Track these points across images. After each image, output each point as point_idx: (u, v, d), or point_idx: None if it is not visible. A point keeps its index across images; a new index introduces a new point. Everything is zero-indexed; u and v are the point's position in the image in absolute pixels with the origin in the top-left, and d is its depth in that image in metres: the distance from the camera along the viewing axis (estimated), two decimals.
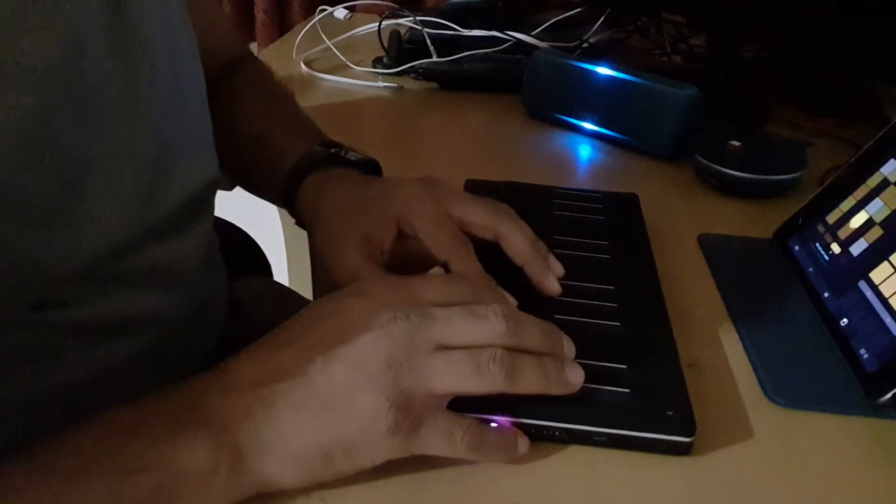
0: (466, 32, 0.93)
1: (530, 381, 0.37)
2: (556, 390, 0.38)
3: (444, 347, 0.36)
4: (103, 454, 0.31)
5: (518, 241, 0.45)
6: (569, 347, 0.40)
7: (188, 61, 0.44)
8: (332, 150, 0.53)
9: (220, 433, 0.33)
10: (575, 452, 0.38)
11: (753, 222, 0.61)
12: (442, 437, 0.35)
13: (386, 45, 0.93)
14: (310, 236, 0.51)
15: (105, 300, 0.38)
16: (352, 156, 0.53)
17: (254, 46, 1.41)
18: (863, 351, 0.44)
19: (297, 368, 0.34)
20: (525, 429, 0.38)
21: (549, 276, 0.45)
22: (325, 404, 0.34)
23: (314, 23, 1.06)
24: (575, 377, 0.38)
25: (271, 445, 0.33)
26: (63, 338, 0.37)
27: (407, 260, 0.46)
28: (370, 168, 0.54)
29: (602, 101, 0.75)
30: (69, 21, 0.32)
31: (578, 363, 0.39)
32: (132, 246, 0.38)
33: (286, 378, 0.34)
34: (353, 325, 0.35)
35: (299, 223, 0.53)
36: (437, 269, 0.42)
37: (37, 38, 0.30)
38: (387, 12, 1.00)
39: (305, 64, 0.96)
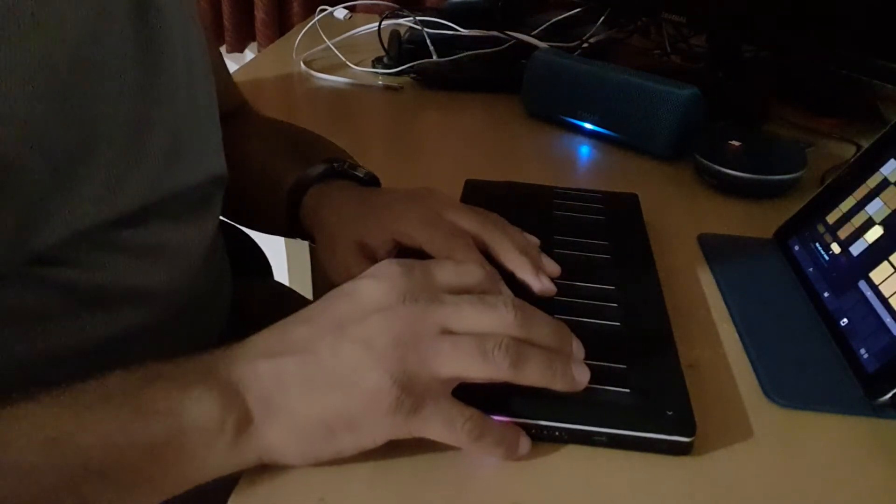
0: (466, 32, 0.93)
1: (535, 373, 0.37)
2: (559, 386, 0.38)
3: (452, 332, 0.36)
4: (123, 391, 0.33)
5: (504, 248, 0.46)
6: (578, 348, 0.40)
7: (200, 68, 0.47)
8: (335, 164, 0.54)
9: (231, 395, 0.34)
10: (575, 452, 0.38)
11: (753, 222, 0.61)
12: (443, 421, 0.35)
13: (386, 45, 0.93)
14: (313, 244, 0.53)
15: (110, 268, 0.41)
16: (353, 170, 0.54)
17: (254, 46, 1.41)
18: (863, 351, 0.44)
19: (309, 344, 0.36)
20: (525, 429, 0.38)
21: (540, 277, 0.46)
22: (332, 380, 0.35)
23: (314, 23, 1.06)
24: (581, 375, 0.38)
25: (277, 414, 0.34)
26: (65, 301, 0.39)
27: None
28: (369, 182, 0.55)
29: (602, 101, 0.75)
30: None
31: (584, 364, 0.39)
32: (140, 219, 0.42)
33: (298, 352, 0.35)
34: (365, 306, 0.37)
35: (303, 236, 0.54)
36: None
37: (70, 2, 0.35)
38: (387, 12, 1.00)
39: (305, 64, 0.96)
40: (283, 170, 0.56)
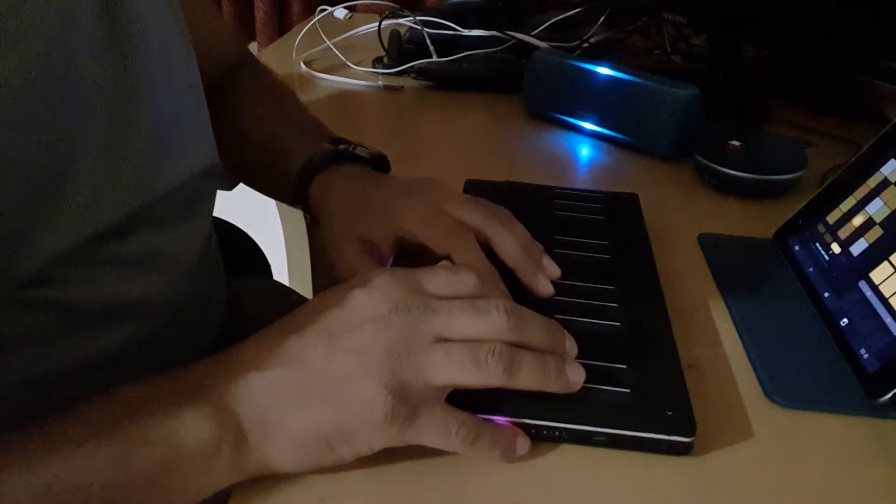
0: (466, 32, 0.93)
1: (529, 377, 0.37)
2: (555, 388, 0.38)
3: (444, 340, 0.36)
4: (112, 426, 0.32)
5: (508, 245, 0.45)
6: (571, 346, 0.40)
7: (179, 53, 0.45)
8: (340, 146, 0.53)
9: (225, 414, 0.34)
10: (575, 452, 0.38)
11: (753, 222, 0.61)
12: (437, 428, 0.35)
13: (386, 45, 0.93)
14: (320, 233, 0.52)
15: (99, 283, 0.39)
16: (360, 151, 0.54)
17: (254, 46, 1.41)
18: (863, 351, 0.44)
19: (301, 355, 0.35)
20: (525, 429, 0.38)
21: (540, 279, 0.45)
22: (326, 391, 0.34)
23: (314, 23, 1.06)
24: (575, 376, 0.38)
25: (273, 429, 0.34)
26: (56, 321, 0.38)
27: (411, 260, 0.46)
28: (378, 163, 0.54)
29: (602, 101, 0.75)
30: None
31: (579, 363, 0.39)
32: (127, 229, 0.40)
33: (290, 364, 0.35)
34: (356, 316, 0.36)
35: (313, 219, 0.53)
36: (445, 262, 0.43)
37: (33, 9, 0.32)
38: (387, 12, 1.00)
39: (305, 64, 0.96)
40: (291, 147, 0.55)
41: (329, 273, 0.47)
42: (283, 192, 0.55)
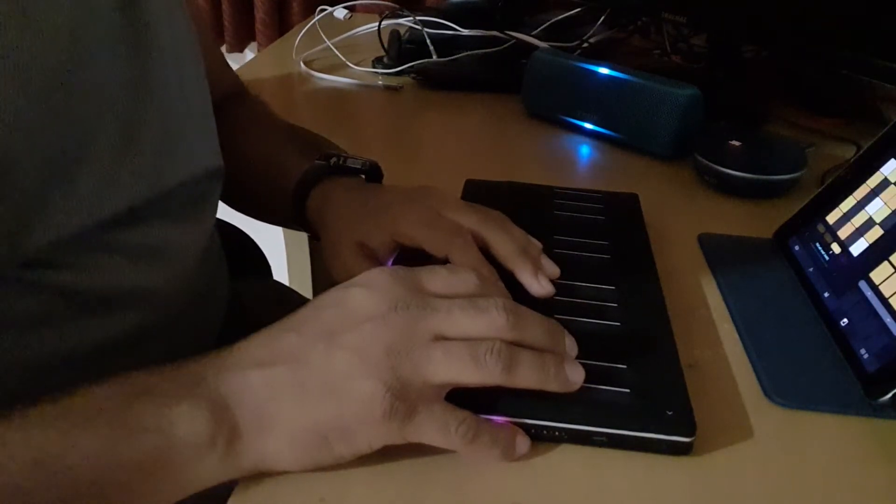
0: (466, 32, 0.93)
1: (528, 376, 0.37)
2: (554, 387, 0.38)
3: (443, 338, 0.36)
4: (111, 408, 0.33)
5: (504, 247, 0.46)
6: (571, 345, 0.40)
7: (190, 61, 0.47)
8: (332, 160, 0.54)
9: (222, 409, 0.34)
10: (575, 452, 0.38)
11: (753, 222, 0.61)
12: (436, 426, 0.35)
13: (386, 44, 0.93)
14: (318, 241, 0.53)
15: (102, 270, 0.40)
16: (351, 163, 0.54)
17: (254, 46, 1.41)
18: (863, 351, 0.44)
19: (300, 352, 0.35)
20: (525, 429, 0.38)
21: (538, 279, 0.46)
22: (325, 388, 0.34)
23: (314, 23, 1.06)
24: (574, 375, 0.38)
25: (271, 426, 0.34)
26: (57, 305, 0.39)
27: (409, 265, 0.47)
28: (371, 171, 0.55)
29: (602, 101, 0.75)
30: None
31: (578, 362, 0.39)
32: (133, 220, 0.41)
33: (289, 361, 0.35)
34: (356, 314, 0.36)
35: (314, 236, 0.54)
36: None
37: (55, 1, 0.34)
38: (387, 12, 1.00)
39: (305, 64, 0.96)
40: (286, 166, 0.56)
41: (328, 278, 0.48)
42: (280, 211, 0.56)
